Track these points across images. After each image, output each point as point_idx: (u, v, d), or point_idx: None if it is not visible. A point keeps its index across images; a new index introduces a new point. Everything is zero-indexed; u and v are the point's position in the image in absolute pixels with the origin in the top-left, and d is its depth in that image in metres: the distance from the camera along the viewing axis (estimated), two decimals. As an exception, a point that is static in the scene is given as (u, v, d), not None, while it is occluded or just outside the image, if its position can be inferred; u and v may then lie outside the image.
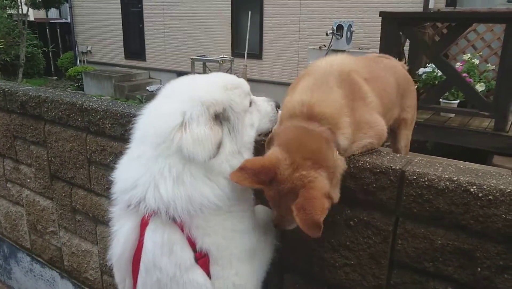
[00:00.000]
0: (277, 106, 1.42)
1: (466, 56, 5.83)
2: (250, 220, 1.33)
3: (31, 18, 14.95)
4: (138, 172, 1.20)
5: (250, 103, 1.33)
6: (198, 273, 1.20)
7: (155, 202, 1.16)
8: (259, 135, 1.38)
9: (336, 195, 1.15)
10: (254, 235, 1.32)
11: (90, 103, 2.07)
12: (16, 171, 2.75)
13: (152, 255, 1.19)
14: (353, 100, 1.21)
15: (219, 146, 1.17)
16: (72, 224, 2.46)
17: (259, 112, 1.36)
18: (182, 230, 1.18)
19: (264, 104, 1.40)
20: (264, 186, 1.14)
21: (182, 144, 1.12)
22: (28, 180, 2.66)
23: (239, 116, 1.25)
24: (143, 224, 1.20)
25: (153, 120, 1.23)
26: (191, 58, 11.26)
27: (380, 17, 5.11)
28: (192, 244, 1.19)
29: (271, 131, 1.40)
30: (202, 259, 1.20)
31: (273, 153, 1.15)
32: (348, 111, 1.19)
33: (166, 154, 1.16)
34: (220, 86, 1.25)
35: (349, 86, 1.23)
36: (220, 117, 1.21)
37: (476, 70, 5.63)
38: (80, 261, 2.52)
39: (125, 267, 1.29)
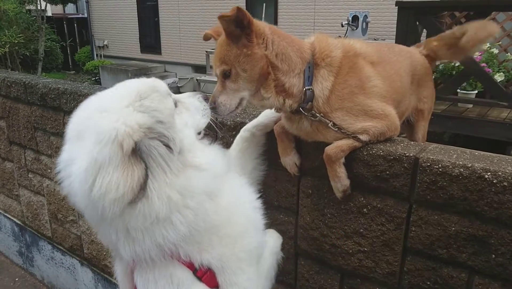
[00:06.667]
0: (206, 99, 1.31)
1: (485, 46, 5.71)
2: (243, 218, 1.24)
3: (49, 13, 15.18)
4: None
5: (175, 104, 1.21)
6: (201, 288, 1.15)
7: (129, 256, 1.10)
8: (199, 133, 1.27)
9: None
10: (255, 233, 1.27)
11: (108, 95, 2.11)
12: (37, 162, 2.82)
13: None
14: None
15: (142, 185, 0.99)
16: (91, 213, 2.52)
17: (187, 110, 1.25)
18: (171, 257, 1.12)
19: (190, 100, 1.29)
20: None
21: (98, 201, 0.96)
22: (49, 170, 2.73)
23: (169, 125, 1.09)
24: (131, 269, 1.19)
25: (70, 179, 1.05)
26: (206, 51, 11.27)
27: (396, 7, 5.04)
28: (189, 265, 1.13)
29: (218, 127, 1.34)
30: (206, 275, 1.15)
31: None
32: None
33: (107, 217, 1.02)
34: (132, 100, 1.05)
35: None
36: (139, 149, 1.00)
37: (495, 60, 5.52)
38: (99, 249, 2.58)
39: None
